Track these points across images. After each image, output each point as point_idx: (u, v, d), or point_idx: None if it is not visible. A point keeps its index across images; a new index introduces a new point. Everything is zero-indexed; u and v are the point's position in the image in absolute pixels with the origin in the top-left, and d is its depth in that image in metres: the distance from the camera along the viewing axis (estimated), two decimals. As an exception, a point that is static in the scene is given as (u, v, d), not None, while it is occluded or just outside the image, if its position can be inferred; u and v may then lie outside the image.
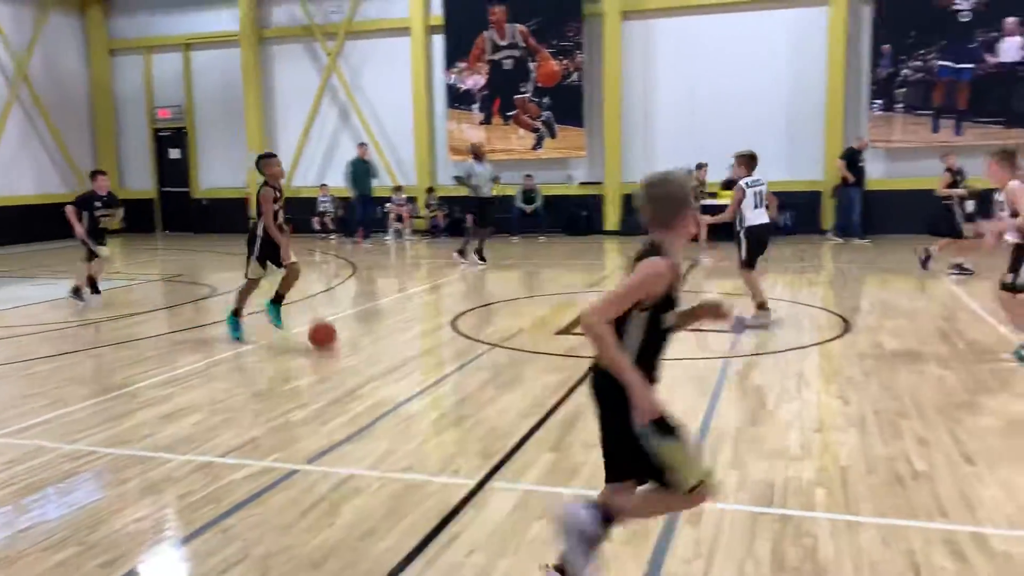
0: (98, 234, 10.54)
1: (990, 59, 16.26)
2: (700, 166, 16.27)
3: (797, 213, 17.16)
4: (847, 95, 17.20)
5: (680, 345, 7.64)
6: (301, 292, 12.18)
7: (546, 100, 18.94)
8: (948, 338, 7.78)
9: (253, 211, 9.11)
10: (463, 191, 14.81)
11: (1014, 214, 6.61)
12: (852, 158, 16.33)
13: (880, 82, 16.87)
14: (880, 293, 10.64)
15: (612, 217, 18.70)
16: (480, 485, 4.45)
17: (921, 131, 16.69)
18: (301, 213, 19.26)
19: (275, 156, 8.15)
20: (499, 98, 19.23)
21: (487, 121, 19.38)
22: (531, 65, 18.94)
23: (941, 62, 16.51)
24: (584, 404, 5.86)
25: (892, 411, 5.59)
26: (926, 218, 15.62)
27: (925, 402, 5.75)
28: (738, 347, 7.59)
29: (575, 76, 18.72)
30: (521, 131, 19.20)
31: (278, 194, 7.89)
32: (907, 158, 16.88)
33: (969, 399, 5.84)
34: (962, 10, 16.29)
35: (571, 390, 6.19)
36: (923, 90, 16.70)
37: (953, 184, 12.32)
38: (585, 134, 18.78)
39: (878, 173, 17.26)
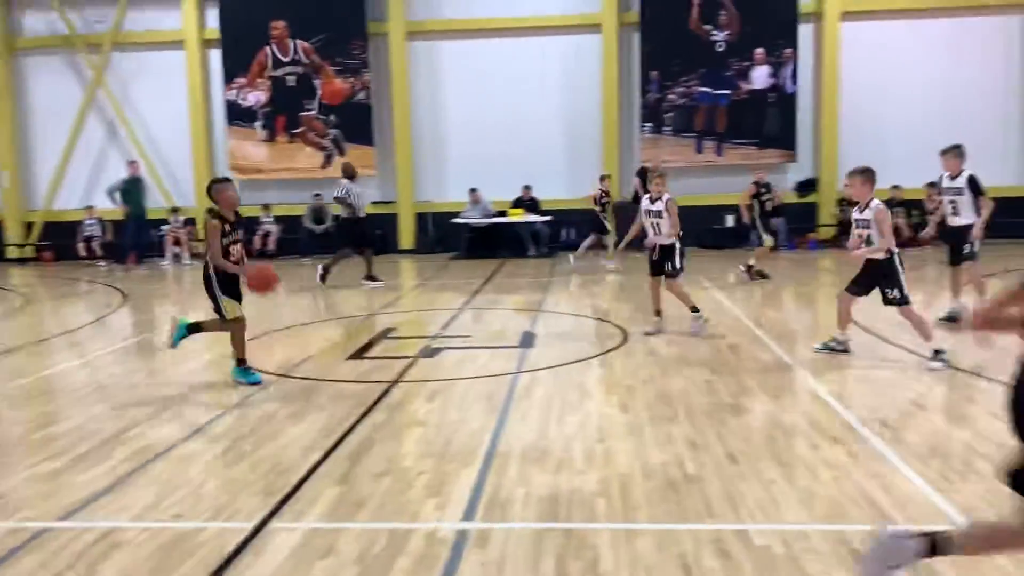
0: None
1: (744, 86, 17.87)
2: (604, 177, 16.75)
3: (580, 229, 17.96)
4: (620, 118, 18.26)
5: (469, 363, 7.75)
6: (62, 326, 11.15)
7: (333, 118, 18.62)
8: (715, 343, 8.38)
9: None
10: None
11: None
12: (646, 176, 17.32)
13: (649, 106, 18.06)
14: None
15: (407, 236, 18.66)
16: (259, 528, 4.20)
17: (686, 152, 18.04)
18: (64, 238, 17.64)
19: (228, 181, 7.32)
20: (283, 115, 18.67)
21: (271, 139, 18.76)
22: (316, 82, 18.55)
23: (702, 88, 17.95)
24: (377, 429, 5.74)
25: (666, 417, 5.91)
26: (693, 233, 16.88)
27: (696, 406, 6.14)
28: (526, 362, 7.77)
29: (363, 95, 18.54)
30: (308, 149, 18.74)
31: (227, 226, 6.95)
32: (674, 177, 18.08)
33: (733, 401, 6.29)
34: (718, 40, 17.80)
35: (361, 418, 6.04)
36: (687, 114, 18.07)
37: (757, 196, 13.39)
38: (375, 153, 18.64)
39: (652, 190, 18.45)
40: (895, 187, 17.16)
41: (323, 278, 13.48)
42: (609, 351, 8.20)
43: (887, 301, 7.18)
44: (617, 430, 5.70)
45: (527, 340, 8.85)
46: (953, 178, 8.75)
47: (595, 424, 5.86)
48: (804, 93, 17.95)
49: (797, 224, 17.65)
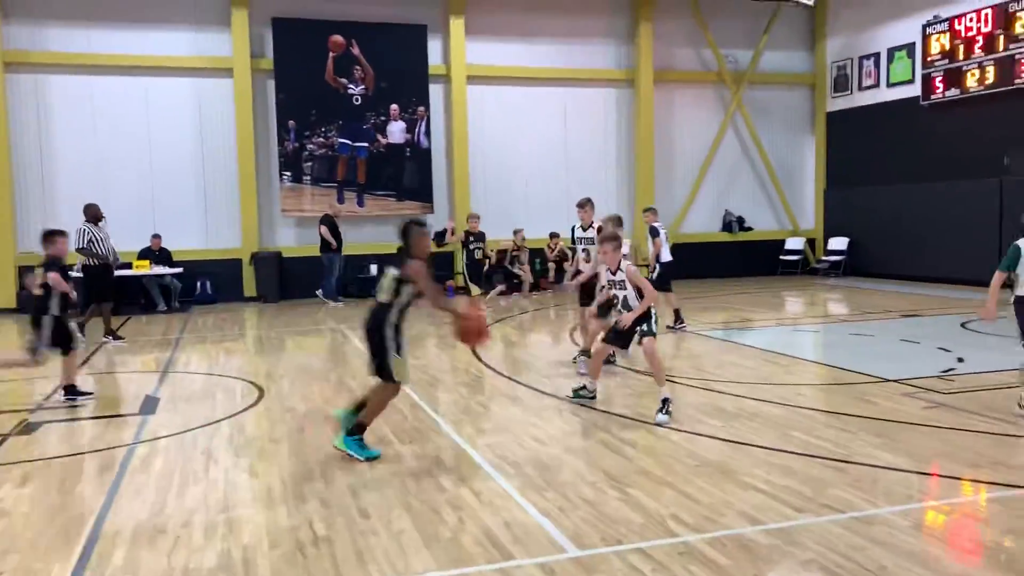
0: None
1: (381, 139, 18.35)
2: (516, 232, 17.42)
3: (216, 281, 17.04)
4: (259, 166, 17.75)
5: (77, 437, 6.84)
6: None
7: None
8: (353, 394, 8.29)
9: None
10: None
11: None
12: (332, 223, 16.92)
13: (288, 155, 17.78)
14: (296, 357, 10.99)
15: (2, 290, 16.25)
16: None
17: (328, 202, 17.98)
18: None
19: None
20: None
21: None
22: None
23: (341, 140, 18.10)
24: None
25: (300, 477, 5.67)
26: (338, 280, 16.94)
27: (332, 462, 5.97)
28: (145, 431, 7.03)
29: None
30: None
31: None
32: (311, 225, 17.98)
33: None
34: (354, 94, 18.12)
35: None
36: (328, 164, 18.08)
37: (466, 245, 15.18)
38: (-37, 198, 16.03)
39: (291, 241, 18.13)
40: (518, 233, 18.67)
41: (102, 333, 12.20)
42: (242, 411, 7.75)
43: (640, 334, 7.14)
44: (244, 497, 5.34)
45: (149, 406, 8.04)
46: (585, 229, 9.63)
47: (220, 493, 5.43)
48: (438, 148, 18.92)
49: (435, 272, 18.37)
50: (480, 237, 13.46)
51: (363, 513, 4.93)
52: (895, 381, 8.14)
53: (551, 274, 18.63)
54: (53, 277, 7.86)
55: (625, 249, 7.74)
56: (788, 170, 21.79)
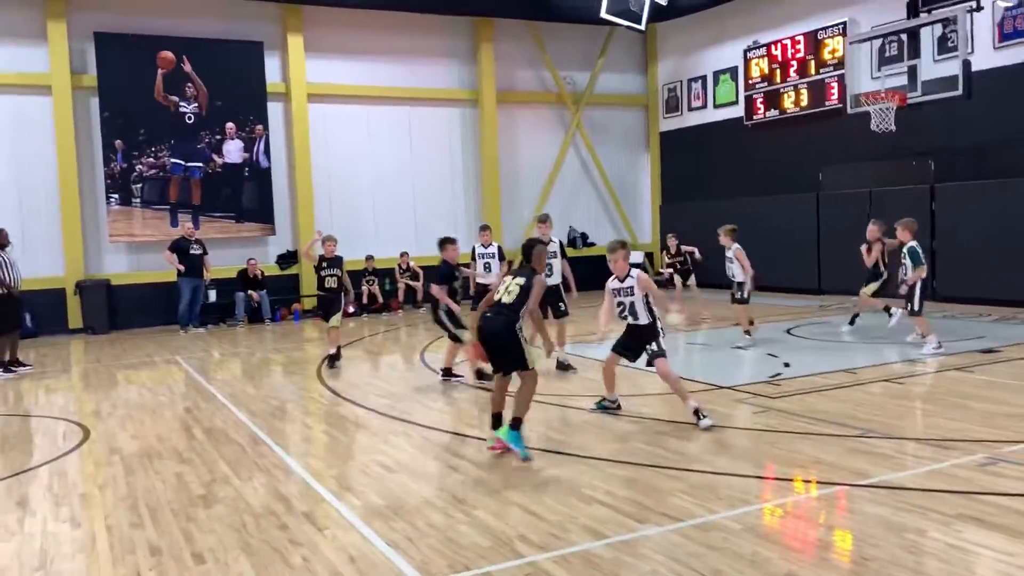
0: None
1: (217, 159, 17.63)
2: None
3: (37, 312, 15.80)
4: (83, 189, 16.63)
5: None
6: None
7: None
8: (189, 429, 7.87)
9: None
10: None
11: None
12: (180, 248, 16.08)
13: (115, 177, 16.75)
14: (125, 392, 10.30)
15: None
16: None
17: (161, 225, 17.09)
18: None
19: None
20: None
21: None
22: None
23: (173, 160, 17.25)
24: None
25: (127, 523, 5.29)
26: (169, 309, 16.19)
27: (162, 505, 5.61)
28: None
29: None
30: None
31: None
32: (150, 251, 17.05)
33: (204, 492, 5.90)
34: (186, 112, 17.33)
35: None
36: (160, 186, 17.18)
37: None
38: None
39: (122, 267, 17.09)
40: (369, 257, 18.42)
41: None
42: (64, 455, 7.16)
43: (649, 355, 7.17)
44: (65, 550, 4.92)
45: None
46: (487, 246, 10.98)
47: (37, 548, 4.98)
48: (279, 168, 18.38)
49: (280, 296, 17.84)
50: (335, 263, 11.24)
51: (198, 558, 4.65)
52: (728, 388, 8.56)
53: (400, 294, 18.46)
54: None
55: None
56: (626, 187, 22.65)
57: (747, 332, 11.45)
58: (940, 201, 15.18)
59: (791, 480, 5.72)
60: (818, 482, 5.57)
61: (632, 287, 7.12)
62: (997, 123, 14.44)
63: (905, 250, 10.51)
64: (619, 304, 7.23)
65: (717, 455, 6.23)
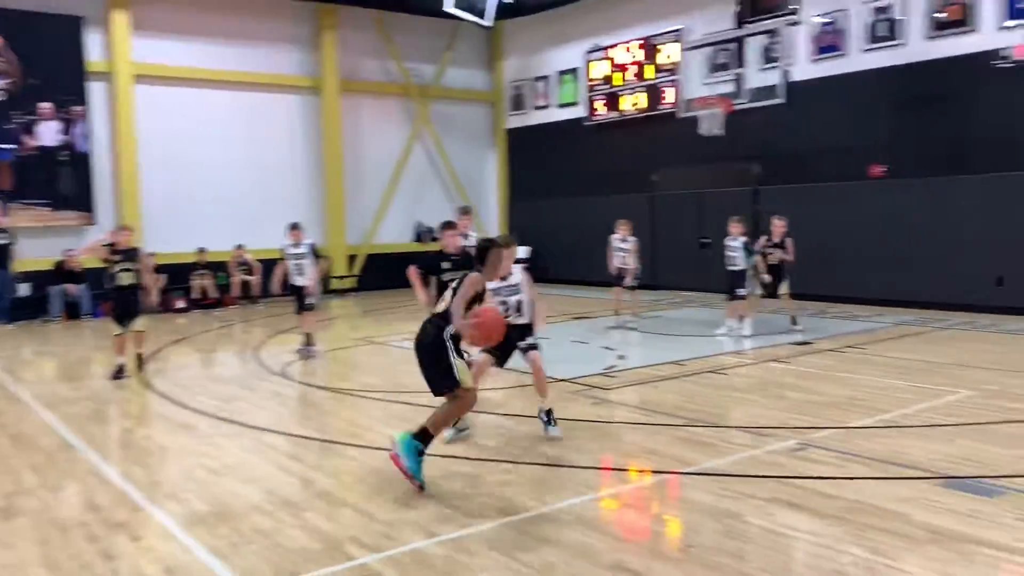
0: None
1: (30, 141, 16.24)
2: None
3: None
4: None
5: None
6: None
7: None
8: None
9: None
10: None
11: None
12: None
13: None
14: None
15: None
16: None
17: (-38, 212, 15.55)
18: None
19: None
20: None
21: None
22: None
23: (-21, 141, 15.75)
24: None
25: (-93, 543, 4.74)
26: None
27: (-49, 521, 5.07)
28: None
29: None
30: None
31: None
32: (-49, 240, 15.48)
33: (5, 504, 5.38)
34: (-5, 89, 15.87)
35: None
36: (-38, 168, 15.63)
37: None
38: None
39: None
40: (201, 250, 17.54)
41: None
42: None
43: (524, 348, 6.81)
44: None
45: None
46: (296, 245, 10.61)
47: None
48: (102, 153, 17.15)
49: (102, 290, 16.62)
50: (130, 255, 9.67)
51: (-10, 579, 4.23)
52: (566, 380, 8.73)
53: (235, 289, 17.69)
54: None
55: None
56: (473, 183, 22.73)
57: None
58: (763, 202, 16.17)
59: (622, 470, 5.88)
60: (647, 471, 5.76)
61: (518, 284, 6.77)
62: (814, 131, 15.53)
63: (739, 244, 11.52)
64: (502, 303, 6.67)
65: (551, 447, 6.32)
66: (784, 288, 11.83)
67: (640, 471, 5.81)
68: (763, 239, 11.97)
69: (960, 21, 13.63)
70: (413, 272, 8.21)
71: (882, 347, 10.41)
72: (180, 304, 17.06)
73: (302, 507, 5.15)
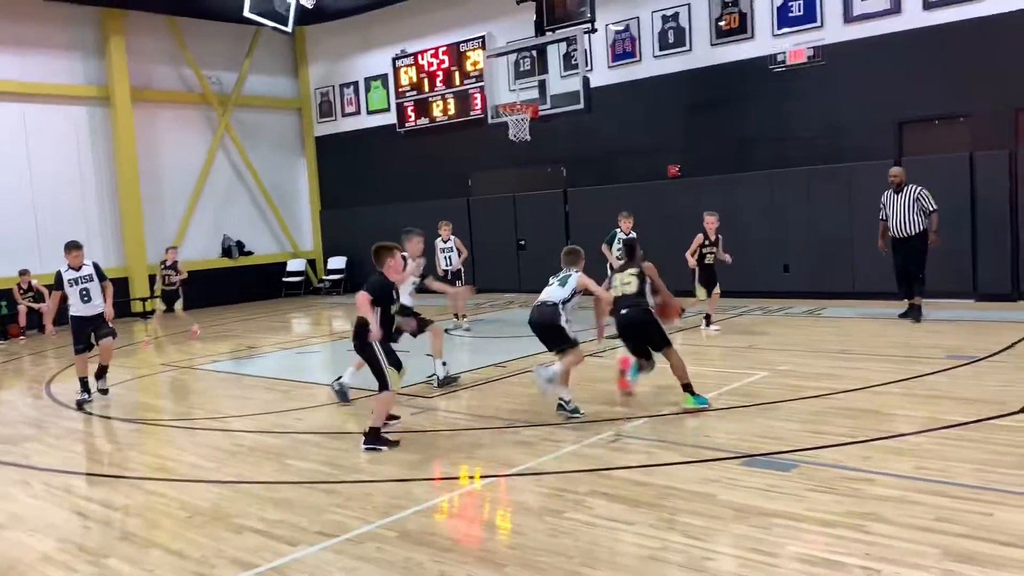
0: None
1: None
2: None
3: None
4: None
5: None
6: None
7: None
8: None
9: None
10: None
11: None
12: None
13: None
14: None
15: None
16: None
17: None
18: None
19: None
20: None
21: None
22: None
23: None
24: None
25: None
26: None
27: None
28: None
29: None
30: None
31: None
32: None
33: None
34: None
35: None
36: None
37: None
38: None
39: None
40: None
41: None
42: None
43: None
44: None
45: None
46: (77, 268, 9.08)
47: None
48: None
49: None
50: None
51: None
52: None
53: (22, 318, 16.14)
54: None
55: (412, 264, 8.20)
56: (283, 193, 22.02)
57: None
58: (572, 203, 16.73)
59: (445, 479, 5.86)
60: (469, 477, 5.77)
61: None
62: (614, 134, 16.24)
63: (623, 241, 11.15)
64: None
65: (372, 463, 6.20)
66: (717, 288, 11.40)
67: (463, 477, 5.81)
68: (699, 237, 11.21)
69: (739, 29, 14.72)
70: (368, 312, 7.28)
71: (684, 336, 11.03)
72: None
73: (102, 552, 4.75)
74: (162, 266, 14.61)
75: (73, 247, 9.15)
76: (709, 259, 11.32)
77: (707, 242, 11.28)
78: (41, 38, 17.57)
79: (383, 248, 6.70)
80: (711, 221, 11.30)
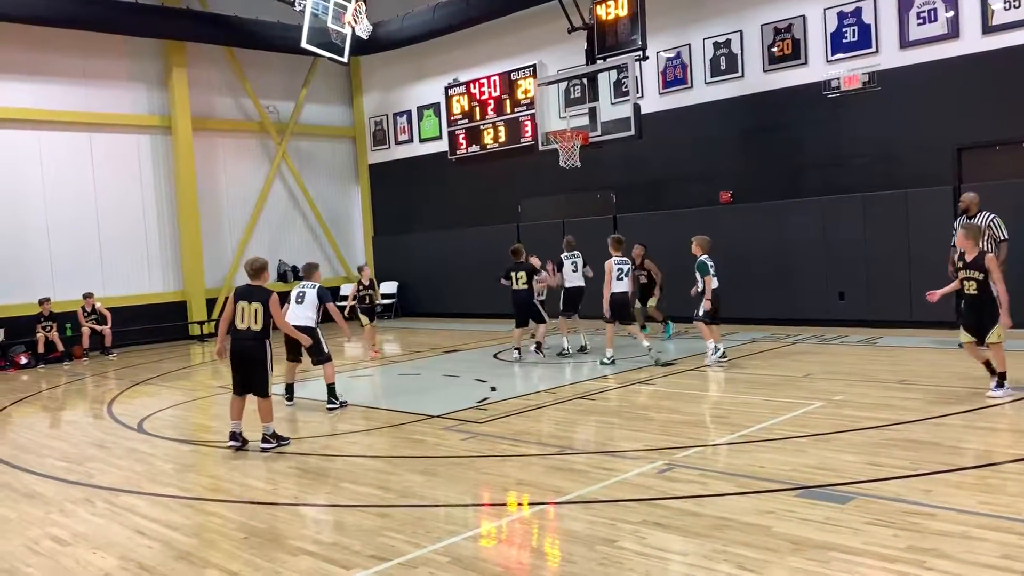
0: None
1: None
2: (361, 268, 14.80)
3: None
4: None
5: None
6: None
7: None
8: None
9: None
10: None
11: None
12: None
13: None
14: None
15: None
16: None
17: None
18: None
19: None
20: None
21: None
22: None
23: None
24: None
25: None
26: None
27: None
28: None
29: None
30: None
31: None
32: None
33: None
34: None
35: None
36: None
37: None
38: None
39: None
40: (44, 300, 16.41)
41: None
42: None
43: None
44: None
45: None
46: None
47: None
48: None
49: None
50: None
51: None
52: (439, 416, 8.66)
53: (85, 340, 16.63)
54: None
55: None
56: (338, 219, 22.42)
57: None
58: (621, 229, 16.70)
59: (496, 505, 5.87)
60: (520, 504, 5.77)
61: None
62: (664, 160, 16.22)
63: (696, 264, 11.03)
64: None
65: (424, 487, 6.24)
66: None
67: (514, 504, 5.81)
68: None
69: (793, 55, 14.64)
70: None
71: (738, 364, 10.90)
72: (23, 360, 15.88)
73: (162, 572, 4.86)
74: (359, 287, 14.30)
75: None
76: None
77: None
78: (108, 70, 18.26)
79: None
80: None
